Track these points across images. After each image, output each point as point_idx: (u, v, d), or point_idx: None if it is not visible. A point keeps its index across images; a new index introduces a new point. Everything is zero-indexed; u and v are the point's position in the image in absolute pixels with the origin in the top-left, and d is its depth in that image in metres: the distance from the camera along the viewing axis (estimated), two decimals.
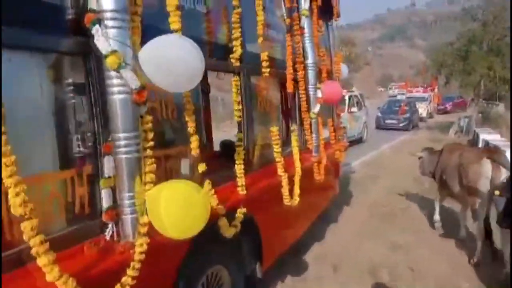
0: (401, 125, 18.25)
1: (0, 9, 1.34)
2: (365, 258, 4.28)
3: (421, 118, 22.00)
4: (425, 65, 21.27)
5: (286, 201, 3.33)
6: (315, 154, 4.22)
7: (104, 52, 1.62)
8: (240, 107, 2.90)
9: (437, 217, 5.03)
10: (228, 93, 3.25)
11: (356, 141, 13.52)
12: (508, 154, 4.47)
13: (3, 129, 1.27)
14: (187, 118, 2.15)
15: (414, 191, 6.92)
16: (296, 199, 3.43)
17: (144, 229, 1.69)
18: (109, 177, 1.72)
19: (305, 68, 4.12)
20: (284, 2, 3.87)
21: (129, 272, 1.66)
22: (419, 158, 5.38)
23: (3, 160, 1.27)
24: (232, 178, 2.78)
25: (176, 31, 2.04)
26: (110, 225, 1.72)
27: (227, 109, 15.19)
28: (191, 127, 2.16)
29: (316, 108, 4.20)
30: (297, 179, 3.52)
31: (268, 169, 3.28)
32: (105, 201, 1.72)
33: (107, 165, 1.72)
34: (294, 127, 3.92)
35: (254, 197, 2.89)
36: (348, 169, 9.16)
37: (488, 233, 4.14)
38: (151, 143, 1.79)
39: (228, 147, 3.68)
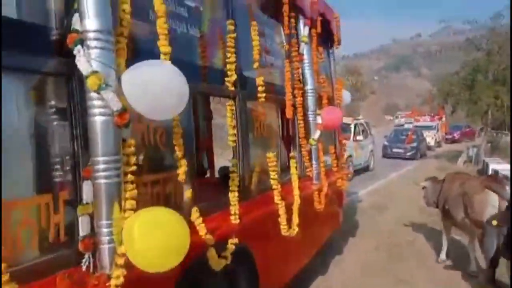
0: (408, 154, 18.05)
1: None
2: None
3: (429, 147, 21.81)
4: (431, 94, 21.20)
5: (284, 231, 3.18)
6: (316, 182, 4.10)
7: (84, 72, 1.57)
8: (235, 131, 2.83)
9: (443, 256, 4.87)
10: None
11: (363, 170, 13.37)
12: None
13: None
14: (175, 142, 2.08)
15: (422, 221, 6.71)
16: (295, 229, 3.28)
17: (121, 260, 1.57)
18: (87, 203, 1.62)
19: (304, 94, 4.08)
20: (283, 29, 3.88)
21: None
22: (423, 188, 5.23)
23: None
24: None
25: (165, 54, 2.02)
26: (86, 255, 1.61)
27: None
28: (179, 151, 2.08)
29: (316, 135, 4.12)
30: (295, 207, 3.38)
31: (264, 197, 3.16)
32: (82, 229, 1.61)
33: (86, 190, 1.63)
34: (293, 153, 3.83)
35: (248, 226, 2.76)
36: (355, 198, 9.00)
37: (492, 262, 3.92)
38: (133, 168, 1.71)
39: (227, 174, 3.59)
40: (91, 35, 1.62)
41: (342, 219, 5.61)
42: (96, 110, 1.61)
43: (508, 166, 9.41)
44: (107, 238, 1.61)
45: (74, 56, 1.60)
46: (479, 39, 19.13)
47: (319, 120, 4.15)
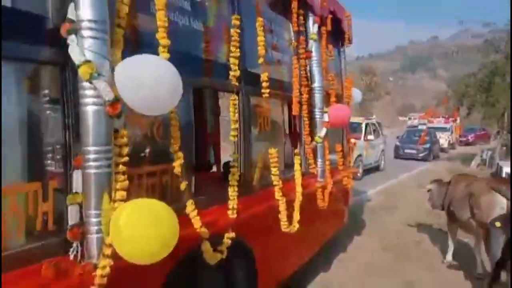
0: (420, 155, 17.74)
1: None
2: None
3: (442, 148, 21.43)
4: (447, 95, 20.84)
5: (284, 227, 3.15)
6: (320, 179, 4.05)
7: (77, 62, 1.56)
8: (237, 126, 2.81)
9: (449, 258, 4.79)
10: None
11: (373, 169, 13.21)
12: None
13: None
14: (172, 135, 2.06)
15: (430, 223, 6.58)
16: (295, 225, 3.25)
17: (108, 251, 1.56)
18: (77, 192, 1.62)
19: (311, 91, 4.03)
20: (292, 26, 3.84)
21: None
22: (428, 190, 5.13)
23: None
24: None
25: (164, 47, 2.00)
26: (74, 244, 1.61)
27: None
28: (175, 144, 2.06)
29: (322, 132, 4.07)
30: (297, 204, 3.34)
31: (266, 192, 3.14)
32: (71, 218, 1.61)
33: (76, 180, 1.62)
34: (298, 150, 3.79)
35: (247, 221, 2.74)
36: (364, 197, 8.90)
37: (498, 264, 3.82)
38: (125, 159, 1.69)
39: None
40: (85, 24, 1.61)
41: (348, 218, 5.54)
42: (89, 100, 1.61)
43: None
44: (96, 228, 1.60)
45: (68, 46, 1.60)
46: (498, 41, 18.71)
47: (326, 117, 4.10)
